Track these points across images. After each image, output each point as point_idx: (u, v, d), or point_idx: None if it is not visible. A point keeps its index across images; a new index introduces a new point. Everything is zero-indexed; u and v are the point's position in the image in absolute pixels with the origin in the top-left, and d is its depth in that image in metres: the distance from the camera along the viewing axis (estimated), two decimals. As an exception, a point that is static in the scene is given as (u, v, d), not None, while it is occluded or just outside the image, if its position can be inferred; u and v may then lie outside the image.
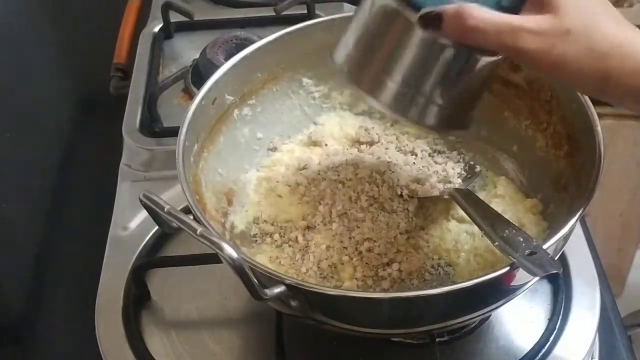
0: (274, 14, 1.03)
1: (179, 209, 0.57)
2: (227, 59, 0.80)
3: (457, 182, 0.78)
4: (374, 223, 0.73)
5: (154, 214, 0.58)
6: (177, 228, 0.57)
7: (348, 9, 1.09)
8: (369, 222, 0.73)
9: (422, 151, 0.82)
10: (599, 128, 0.65)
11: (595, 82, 0.54)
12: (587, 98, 0.67)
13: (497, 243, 0.60)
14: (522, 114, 0.77)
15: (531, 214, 0.72)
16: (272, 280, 0.57)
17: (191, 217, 0.58)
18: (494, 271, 0.57)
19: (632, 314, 1.43)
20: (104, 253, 0.82)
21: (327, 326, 0.62)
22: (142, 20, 1.13)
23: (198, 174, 0.70)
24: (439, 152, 0.83)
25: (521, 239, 0.59)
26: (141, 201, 0.58)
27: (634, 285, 1.64)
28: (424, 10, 0.56)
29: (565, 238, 0.61)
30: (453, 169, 0.80)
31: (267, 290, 0.56)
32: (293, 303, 0.58)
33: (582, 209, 0.59)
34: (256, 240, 0.75)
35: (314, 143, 0.83)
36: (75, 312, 0.89)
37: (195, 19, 1.07)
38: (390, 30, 0.59)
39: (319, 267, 0.70)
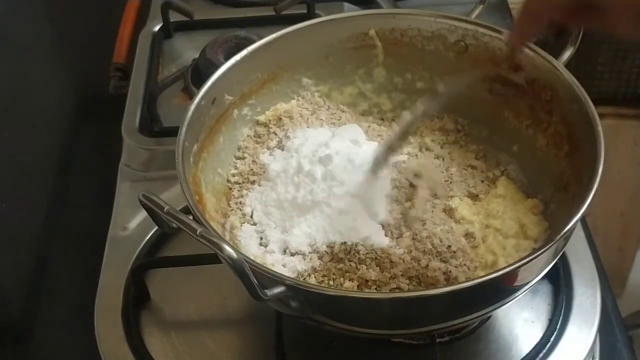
0: (274, 13, 1.03)
1: (178, 209, 0.57)
2: (226, 58, 0.79)
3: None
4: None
5: (154, 214, 0.58)
6: (176, 228, 0.56)
7: (348, 9, 1.09)
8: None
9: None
10: (599, 128, 0.64)
11: None
12: (587, 98, 0.67)
13: None
14: (523, 114, 0.76)
15: (532, 214, 0.72)
16: (272, 280, 0.56)
17: (191, 217, 0.57)
18: (494, 271, 0.57)
19: (633, 314, 1.42)
20: (103, 253, 0.82)
21: (327, 326, 0.62)
22: (141, 20, 1.13)
23: (198, 174, 0.70)
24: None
25: None
26: (141, 201, 0.58)
27: (635, 285, 1.64)
28: None
29: (566, 238, 0.61)
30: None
31: (267, 291, 0.56)
32: (293, 303, 0.58)
33: (582, 209, 0.59)
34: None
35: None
36: (75, 312, 0.88)
37: (194, 18, 1.07)
38: None
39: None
